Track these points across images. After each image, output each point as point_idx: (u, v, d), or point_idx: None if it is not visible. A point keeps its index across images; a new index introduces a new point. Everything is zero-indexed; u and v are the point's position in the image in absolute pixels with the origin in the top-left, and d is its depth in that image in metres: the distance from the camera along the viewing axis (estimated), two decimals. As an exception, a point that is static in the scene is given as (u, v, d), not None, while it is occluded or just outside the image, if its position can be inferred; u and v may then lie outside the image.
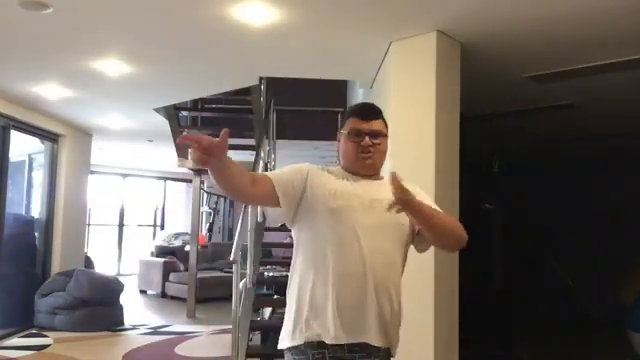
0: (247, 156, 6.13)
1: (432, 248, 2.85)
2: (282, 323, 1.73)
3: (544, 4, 2.71)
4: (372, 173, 1.79)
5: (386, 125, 1.81)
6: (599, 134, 6.05)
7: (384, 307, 1.64)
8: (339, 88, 5.86)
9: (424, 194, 1.77)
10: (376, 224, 1.67)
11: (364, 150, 1.74)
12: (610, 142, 6.42)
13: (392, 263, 1.70)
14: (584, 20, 2.89)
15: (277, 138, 6.03)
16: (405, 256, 1.76)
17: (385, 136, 1.78)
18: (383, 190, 1.66)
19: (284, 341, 1.69)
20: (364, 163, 1.75)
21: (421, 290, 2.92)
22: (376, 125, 1.76)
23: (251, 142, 6.03)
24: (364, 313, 1.62)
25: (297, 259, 1.73)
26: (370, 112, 1.79)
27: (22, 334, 5.58)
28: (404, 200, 1.48)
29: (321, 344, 1.60)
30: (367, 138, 1.73)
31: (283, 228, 2.36)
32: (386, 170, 1.62)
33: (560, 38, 3.18)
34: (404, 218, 1.65)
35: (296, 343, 1.64)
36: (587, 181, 7.10)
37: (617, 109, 4.94)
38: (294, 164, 1.77)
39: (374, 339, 1.63)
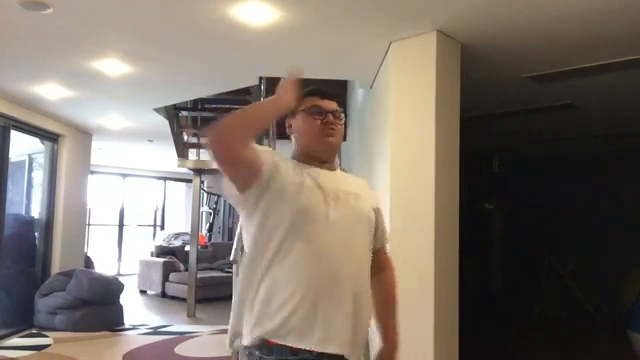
0: (247, 156, 6.13)
1: (432, 249, 2.89)
2: None
3: (544, 4, 2.71)
4: (331, 156, 1.69)
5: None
6: (599, 134, 6.05)
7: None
8: (339, 88, 5.85)
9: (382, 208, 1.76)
10: (343, 217, 1.56)
11: (328, 127, 1.63)
12: (610, 142, 6.42)
13: (360, 259, 1.62)
14: (584, 20, 2.89)
15: (277, 138, 6.03)
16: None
17: (344, 116, 1.71)
18: (343, 181, 1.67)
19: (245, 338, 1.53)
20: (328, 141, 1.64)
21: (421, 289, 2.92)
22: (335, 105, 1.68)
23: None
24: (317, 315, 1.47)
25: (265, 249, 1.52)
26: (328, 93, 1.70)
27: (22, 334, 5.58)
28: None
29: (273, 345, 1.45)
30: (330, 115, 1.64)
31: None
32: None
33: (560, 38, 3.17)
34: (369, 210, 1.67)
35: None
36: (587, 181, 7.10)
37: (617, 109, 4.94)
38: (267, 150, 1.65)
39: (346, 349, 1.48)
